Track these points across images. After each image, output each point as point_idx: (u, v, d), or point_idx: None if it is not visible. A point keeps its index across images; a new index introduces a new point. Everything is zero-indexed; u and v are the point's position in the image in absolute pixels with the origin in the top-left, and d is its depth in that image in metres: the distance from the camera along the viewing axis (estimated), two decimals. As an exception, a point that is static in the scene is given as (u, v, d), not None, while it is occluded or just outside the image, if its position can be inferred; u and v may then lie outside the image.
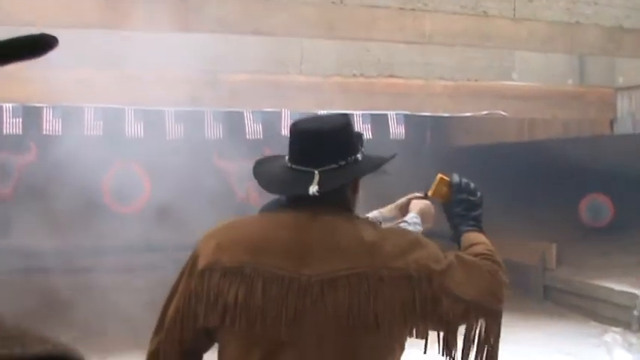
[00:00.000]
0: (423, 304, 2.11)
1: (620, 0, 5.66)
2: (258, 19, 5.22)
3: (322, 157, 2.17)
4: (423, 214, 2.84)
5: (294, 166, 2.20)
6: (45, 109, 7.61)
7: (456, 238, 2.53)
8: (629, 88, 8.74)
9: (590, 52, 6.14)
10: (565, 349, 8.15)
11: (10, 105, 7.44)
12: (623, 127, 8.92)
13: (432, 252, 2.20)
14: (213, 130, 8.47)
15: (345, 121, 2.28)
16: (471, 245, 2.42)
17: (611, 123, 8.98)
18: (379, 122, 7.96)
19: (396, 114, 7.96)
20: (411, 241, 2.21)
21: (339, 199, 2.23)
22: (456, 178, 2.61)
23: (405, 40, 5.38)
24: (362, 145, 2.29)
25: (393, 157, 2.40)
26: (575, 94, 8.67)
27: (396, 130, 7.96)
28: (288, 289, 2.07)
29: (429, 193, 2.68)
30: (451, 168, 8.57)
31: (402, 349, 2.23)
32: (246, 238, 2.18)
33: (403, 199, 3.67)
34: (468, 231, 2.50)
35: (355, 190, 2.32)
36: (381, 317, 2.06)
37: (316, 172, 2.14)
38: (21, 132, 8.10)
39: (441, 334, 2.21)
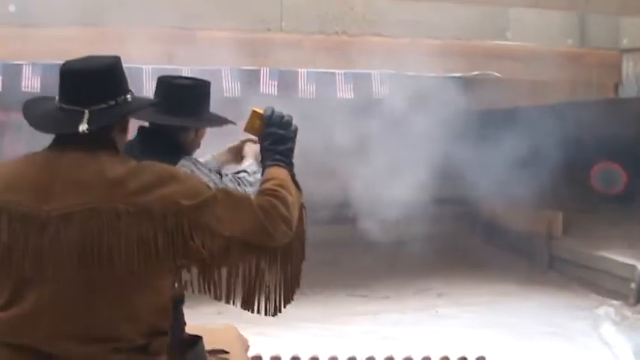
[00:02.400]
0: (168, 240, 2.08)
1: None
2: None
3: (91, 96, 2.17)
4: (258, 159, 2.76)
5: (63, 106, 2.19)
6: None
7: (262, 173, 2.43)
8: (634, 50, 8.29)
9: (592, 9, 5.74)
10: (554, 321, 7.79)
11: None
12: (630, 90, 8.50)
13: (190, 187, 2.16)
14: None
15: (114, 61, 2.26)
16: (266, 181, 2.33)
17: (616, 86, 8.54)
18: (362, 81, 7.64)
19: (380, 73, 7.62)
20: (164, 177, 2.16)
21: (103, 139, 2.20)
22: (268, 110, 2.49)
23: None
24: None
25: (156, 101, 2.49)
26: (574, 56, 8.23)
27: (380, 89, 7.62)
28: (30, 226, 2.08)
29: (244, 128, 2.53)
30: (447, 131, 8.20)
31: (169, 285, 2.20)
32: (1, 178, 2.18)
33: (237, 143, 3.48)
34: (271, 165, 2.40)
35: (123, 130, 2.31)
36: (116, 253, 2.05)
37: (86, 111, 2.14)
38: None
39: (199, 271, 2.18)
